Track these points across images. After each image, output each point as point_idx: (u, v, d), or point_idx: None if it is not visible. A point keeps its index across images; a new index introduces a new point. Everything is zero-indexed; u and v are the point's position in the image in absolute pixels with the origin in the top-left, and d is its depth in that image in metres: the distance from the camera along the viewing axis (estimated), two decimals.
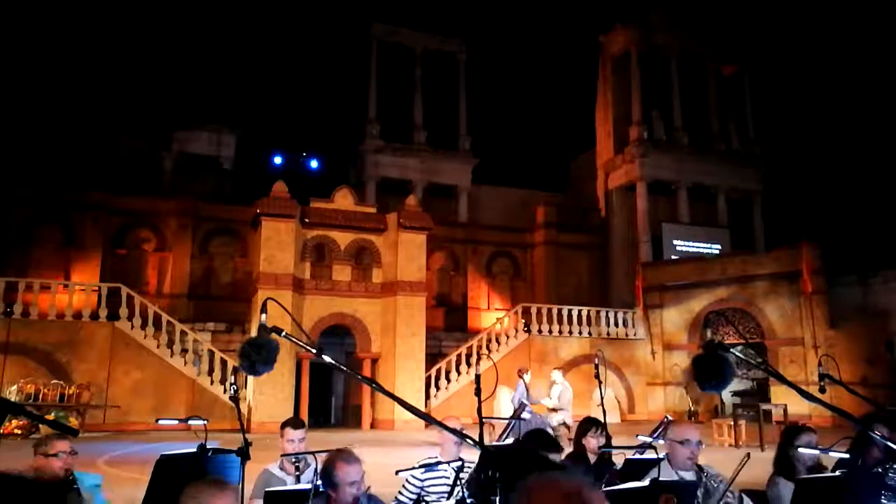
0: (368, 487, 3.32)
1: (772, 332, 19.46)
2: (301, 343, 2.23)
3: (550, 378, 12.69)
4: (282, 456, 4.23)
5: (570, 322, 19.98)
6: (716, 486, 3.45)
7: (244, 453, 3.37)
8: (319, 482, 3.26)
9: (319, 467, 3.19)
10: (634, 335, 20.89)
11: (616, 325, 20.80)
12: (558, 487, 1.36)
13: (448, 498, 3.92)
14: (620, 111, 26.84)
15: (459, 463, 3.95)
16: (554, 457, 4.00)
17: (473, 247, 24.80)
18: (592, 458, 4.70)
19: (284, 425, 4.39)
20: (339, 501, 3.00)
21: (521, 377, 11.74)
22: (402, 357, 16.95)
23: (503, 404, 17.65)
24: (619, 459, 4.67)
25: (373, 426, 16.75)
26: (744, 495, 3.56)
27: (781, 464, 3.86)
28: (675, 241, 25.18)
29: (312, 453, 3.90)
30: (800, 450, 3.75)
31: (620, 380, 20.17)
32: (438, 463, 4.08)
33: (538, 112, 33.15)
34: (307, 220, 17.04)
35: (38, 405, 13.49)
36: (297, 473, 4.09)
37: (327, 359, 2.18)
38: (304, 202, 17.20)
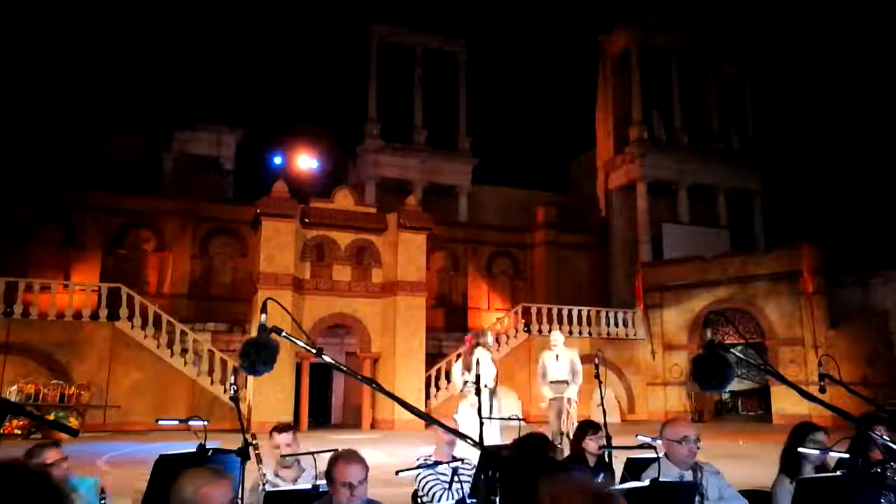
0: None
1: (772, 332, 19.45)
2: (301, 343, 2.23)
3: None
4: (282, 456, 4.21)
5: (570, 322, 19.98)
6: (706, 485, 3.43)
7: (244, 453, 3.37)
8: (319, 482, 3.26)
9: (318, 467, 3.18)
10: (634, 335, 20.89)
11: (616, 325, 20.80)
12: (582, 489, 1.35)
13: (450, 496, 3.92)
14: (620, 111, 26.83)
15: (457, 463, 3.95)
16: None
17: (473, 247, 24.79)
18: (592, 461, 4.70)
19: (272, 430, 4.36)
20: (335, 500, 3.00)
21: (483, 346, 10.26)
22: (402, 357, 16.95)
23: (502, 405, 17.66)
24: (619, 460, 4.66)
25: (373, 426, 16.75)
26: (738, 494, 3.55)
27: (787, 462, 3.83)
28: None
29: (312, 454, 3.90)
30: (802, 448, 3.74)
31: (620, 380, 20.17)
32: (438, 463, 4.07)
33: (538, 112, 33.21)
34: (307, 220, 17.04)
35: (38, 405, 13.48)
36: (295, 477, 4.07)
37: (327, 359, 2.18)
38: (304, 202, 17.20)
